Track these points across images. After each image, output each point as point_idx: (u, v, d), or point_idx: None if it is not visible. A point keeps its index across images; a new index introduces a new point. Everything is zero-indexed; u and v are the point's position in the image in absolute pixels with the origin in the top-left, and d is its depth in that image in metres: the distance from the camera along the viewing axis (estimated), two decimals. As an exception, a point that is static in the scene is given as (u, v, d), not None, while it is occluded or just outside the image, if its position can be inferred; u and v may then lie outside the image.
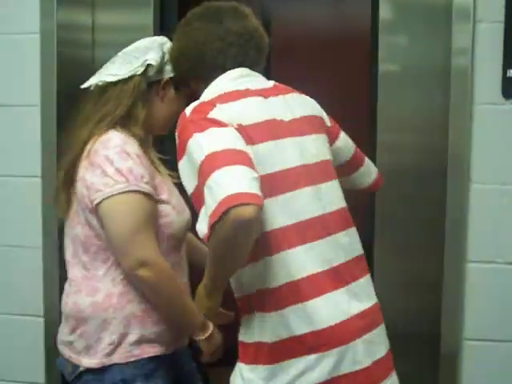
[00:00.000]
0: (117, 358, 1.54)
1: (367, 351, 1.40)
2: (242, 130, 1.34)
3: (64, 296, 1.64)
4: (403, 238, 1.97)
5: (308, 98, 1.60)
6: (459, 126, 1.84)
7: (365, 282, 1.48)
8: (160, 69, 1.61)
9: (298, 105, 1.53)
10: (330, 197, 1.47)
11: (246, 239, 1.27)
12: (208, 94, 1.46)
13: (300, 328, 1.34)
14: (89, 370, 1.55)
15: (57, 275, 2.02)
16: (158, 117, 1.64)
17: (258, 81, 1.51)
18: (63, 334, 1.63)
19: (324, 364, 1.34)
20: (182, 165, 1.35)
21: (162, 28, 2.11)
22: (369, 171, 1.78)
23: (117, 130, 1.55)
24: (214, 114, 1.35)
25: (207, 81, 1.50)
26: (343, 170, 1.67)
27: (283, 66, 1.86)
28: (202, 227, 1.28)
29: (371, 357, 1.41)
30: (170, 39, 1.61)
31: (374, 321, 1.46)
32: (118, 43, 1.90)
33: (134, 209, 1.49)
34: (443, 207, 1.89)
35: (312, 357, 1.34)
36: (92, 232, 1.55)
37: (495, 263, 1.86)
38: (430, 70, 1.93)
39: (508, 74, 1.81)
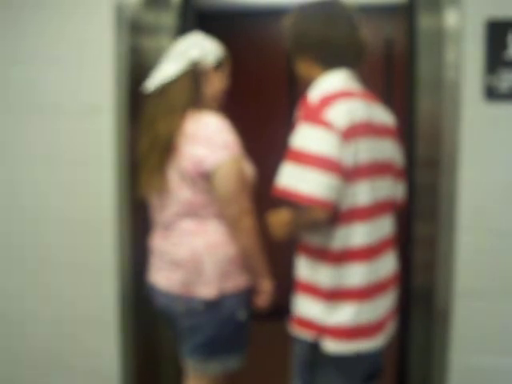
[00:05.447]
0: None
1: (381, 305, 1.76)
2: (350, 128, 1.62)
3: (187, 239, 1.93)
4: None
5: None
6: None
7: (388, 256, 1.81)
8: (203, 60, 1.93)
9: (383, 113, 1.82)
10: (380, 188, 1.75)
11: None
12: (327, 87, 1.70)
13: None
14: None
15: (128, 246, 2.33)
16: (209, 93, 1.98)
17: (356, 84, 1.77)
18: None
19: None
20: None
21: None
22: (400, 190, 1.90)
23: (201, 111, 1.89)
24: (328, 113, 1.61)
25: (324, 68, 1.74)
26: None
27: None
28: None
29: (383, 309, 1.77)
30: None
31: (388, 286, 1.79)
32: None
33: (240, 171, 1.87)
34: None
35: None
36: (200, 194, 1.87)
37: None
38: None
39: None
